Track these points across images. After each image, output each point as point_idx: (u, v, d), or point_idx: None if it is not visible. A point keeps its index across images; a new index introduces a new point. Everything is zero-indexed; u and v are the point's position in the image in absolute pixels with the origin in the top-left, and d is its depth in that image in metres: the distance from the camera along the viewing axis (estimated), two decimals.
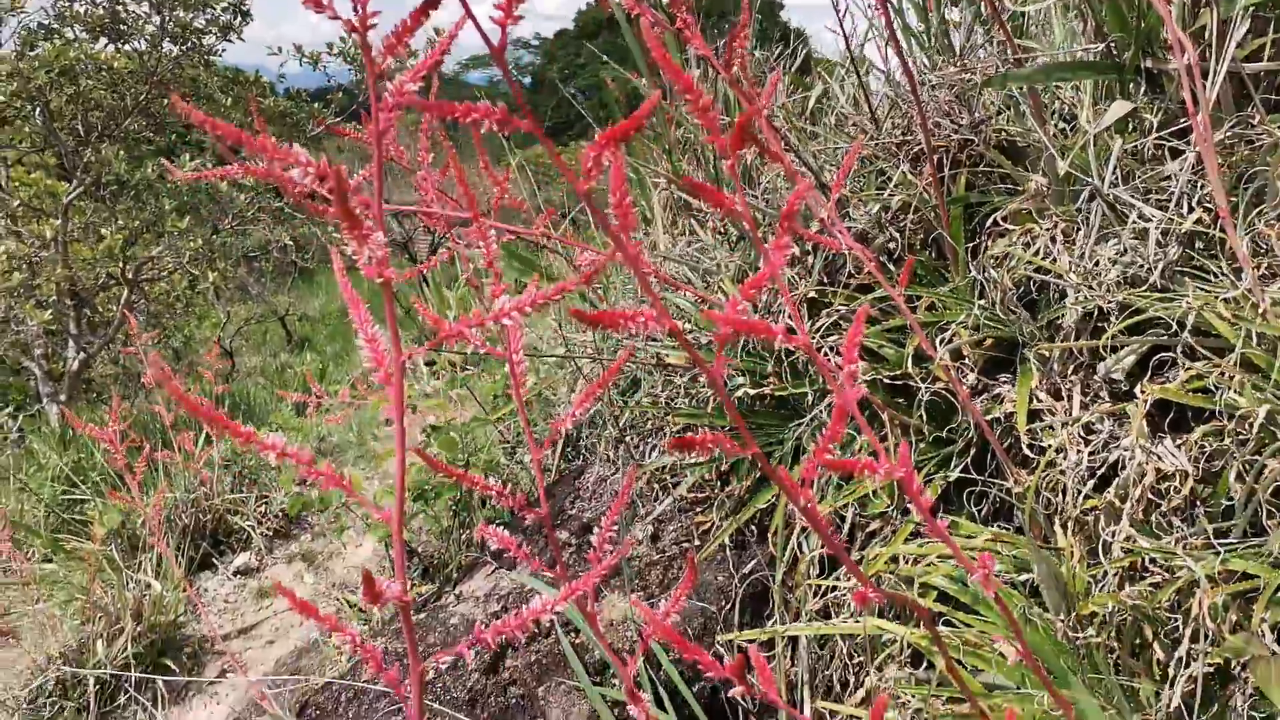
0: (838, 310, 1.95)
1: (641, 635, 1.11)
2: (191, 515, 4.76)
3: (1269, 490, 1.49)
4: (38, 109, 6.45)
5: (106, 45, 7.21)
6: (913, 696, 1.68)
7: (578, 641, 2.21)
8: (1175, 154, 1.82)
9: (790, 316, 2.02)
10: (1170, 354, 1.66)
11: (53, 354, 7.48)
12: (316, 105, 7.38)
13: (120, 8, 7.07)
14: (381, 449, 4.75)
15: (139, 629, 4.03)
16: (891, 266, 1.99)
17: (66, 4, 7.11)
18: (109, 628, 4.04)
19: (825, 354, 1.95)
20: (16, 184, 7.00)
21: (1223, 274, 1.64)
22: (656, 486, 2.46)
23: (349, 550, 4.74)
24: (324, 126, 7.05)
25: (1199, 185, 1.75)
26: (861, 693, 1.80)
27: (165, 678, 3.95)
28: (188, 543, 4.71)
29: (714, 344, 0.99)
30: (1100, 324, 1.75)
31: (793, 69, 3.09)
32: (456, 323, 0.94)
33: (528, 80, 49.02)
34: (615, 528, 1.13)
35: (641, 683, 2.01)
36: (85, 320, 7.30)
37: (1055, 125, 2.10)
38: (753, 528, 2.25)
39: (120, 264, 6.72)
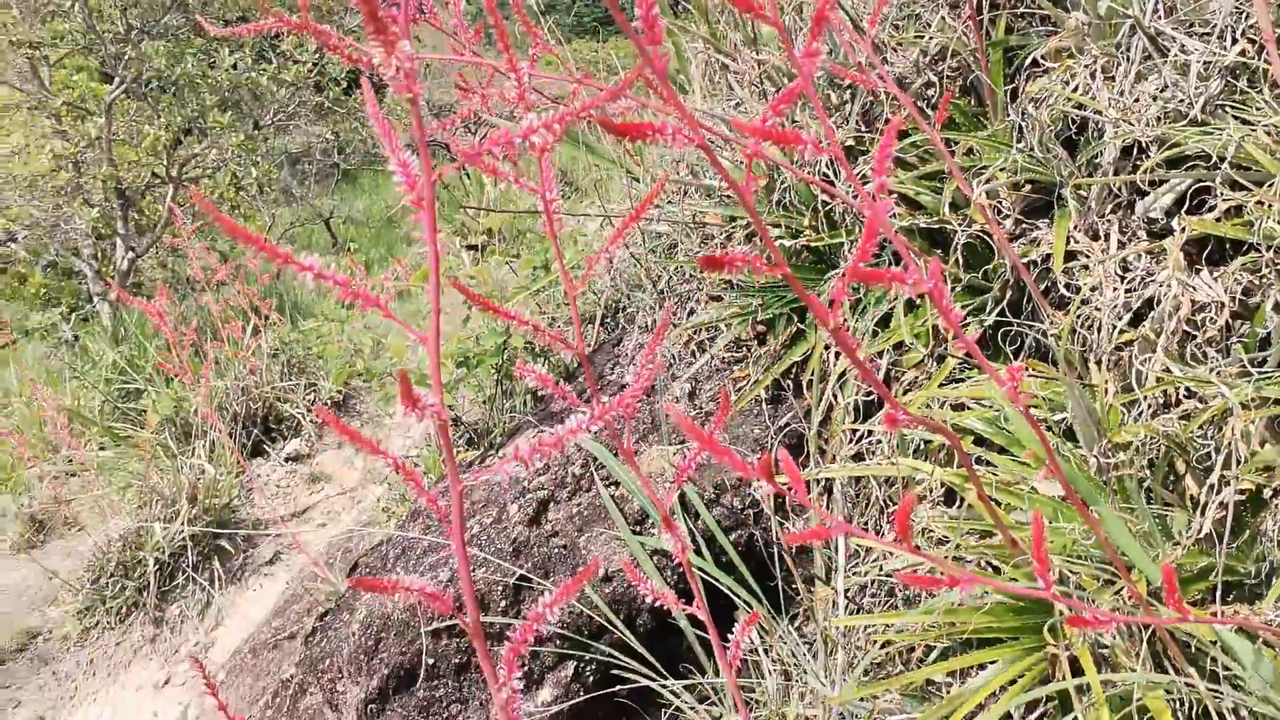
0: (875, 157, 1.94)
1: (679, 471, 1.13)
2: (242, 403, 4.85)
3: None
4: (76, 4, 6.45)
5: None
6: (947, 533, 1.71)
7: (618, 494, 2.25)
8: None
9: (832, 160, 2.01)
10: (1209, 193, 1.64)
11: (102, 256, 7.58)
12: None
13: None
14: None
15: (194, 512, 4.13)
16: (929, 112, 1.97)
17: None
18: (165, 510, 4.15)
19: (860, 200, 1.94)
20: (60, 86, 7.04)
21: (1267, 104, 1.61)
22: (694, 346, 2.47)
23: (395, 437, 4.82)
24: None
25: (1244, 16, 1.71)
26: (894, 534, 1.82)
27: (222, 555, 4.07)
28: (240, 430, 4.82)
29: (744, 164, 0.99)
30: (1139, 160, 1.73)
31: None
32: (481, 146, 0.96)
33: None
34: (653, 361, 1.14)
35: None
36: (133, 221, 7.38)
37: None
38: (788, 381, 2.27)
39: (165, 162, 6.77)
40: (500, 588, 2.18)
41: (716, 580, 1.99)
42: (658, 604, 1.07)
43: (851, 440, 1.94)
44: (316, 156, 9.31)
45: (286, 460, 4.83)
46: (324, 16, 6.75)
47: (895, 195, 1.94)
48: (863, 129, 2.05)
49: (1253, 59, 1.67)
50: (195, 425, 4.68)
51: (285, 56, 6.62)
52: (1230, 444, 1.46)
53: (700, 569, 2.00)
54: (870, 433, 1.94)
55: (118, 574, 4.03)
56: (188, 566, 4.06)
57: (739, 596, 2.00)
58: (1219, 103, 1.68)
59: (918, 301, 1.97)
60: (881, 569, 1.81)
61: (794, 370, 2.23)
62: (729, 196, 2.28)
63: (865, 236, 0.95)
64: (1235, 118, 1.63)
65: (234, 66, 6.46)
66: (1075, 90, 1.75)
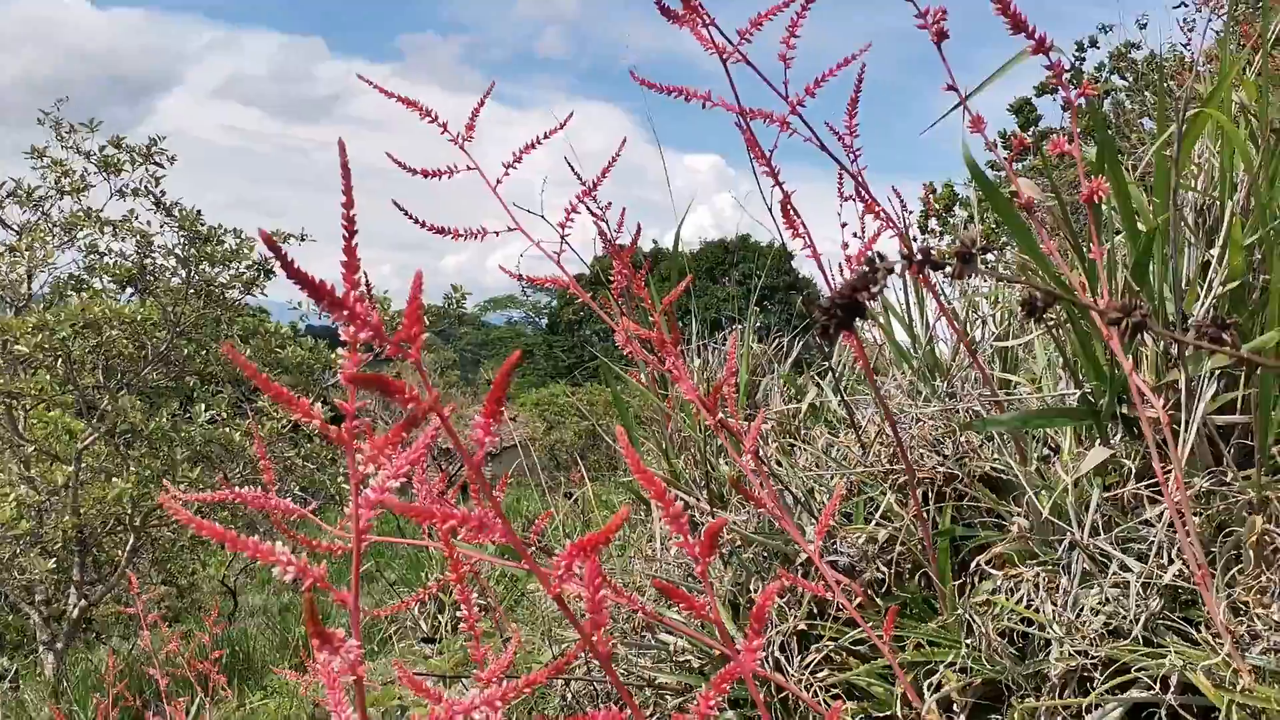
0: (828, 645, 1.95)
1: None
2: None
3: None
4: (60, 359, 6.63)
5: (132, 295, 7.48)
6: None
7: None
8: (1155, 500, 1.85)
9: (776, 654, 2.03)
10: (1156, 709, 1.66)
11: (53, 597, 7.43)
12: (333, 355, 7.57)
13: (149, 261, 7.36)
14: None
15: None
16: (880, 601, 2.00)
17: (97, 257, 7.41)
18: None
19: (815, 692, 1.94)
20: (34, 421, 7.10)
21: (1203, 634, 1.64)
22: None
23: None
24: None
25: (1178, 536, 1.77)
26: None
27: None
28: None
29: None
30: (1085, 674, 1.75)
31: (787, 363, 3.18)
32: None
33: (544, 322, 50.65)
34: None
35: None
36: (90, 561, 7.30)
37: (1038, 452, 2.15)
38: None
39: (129, 510, 6.77)
40: None
41: None
42: None
43: None
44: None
45: None
46: (303, 375, 6.97)
47: (848, 686, 1.94)
48: (815, 613, 2.08)
49: (1190, 580, 1.72)
50: None
51: (261, 411, 6.78)
52: None
53: None
54: None
55: None
56: None
57: None
58: (1160, 621, 1.72)
59: None
60: None
61: None
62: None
63: None
64: (1177, 644, 1.66)
65: (210, 421, 6.59)
66: (1019, 601, 1.79)
